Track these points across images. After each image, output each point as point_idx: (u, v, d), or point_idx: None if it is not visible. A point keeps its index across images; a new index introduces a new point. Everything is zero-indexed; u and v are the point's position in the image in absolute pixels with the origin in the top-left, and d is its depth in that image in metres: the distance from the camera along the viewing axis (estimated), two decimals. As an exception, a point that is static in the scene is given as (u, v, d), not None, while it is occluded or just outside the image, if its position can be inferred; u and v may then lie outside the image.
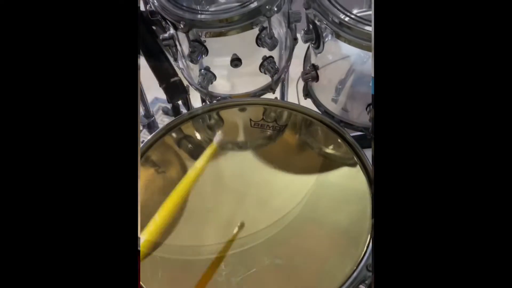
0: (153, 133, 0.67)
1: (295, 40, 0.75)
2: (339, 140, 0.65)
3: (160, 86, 0.63)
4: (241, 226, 0.56)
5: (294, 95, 1.07)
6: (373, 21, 0.35)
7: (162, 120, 1.30)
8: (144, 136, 1.22)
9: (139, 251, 0.38)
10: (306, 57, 0.76)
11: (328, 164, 0.65)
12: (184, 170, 0.65)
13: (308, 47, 0.75)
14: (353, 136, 0.65)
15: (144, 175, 0.63)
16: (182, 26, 0.58)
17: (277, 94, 0.90)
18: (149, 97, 1.05)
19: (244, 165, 0.64)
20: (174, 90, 0.59)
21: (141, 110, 1.03)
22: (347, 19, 0.56)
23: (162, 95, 1.45)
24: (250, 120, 0.69)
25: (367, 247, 0.52)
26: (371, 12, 0.74)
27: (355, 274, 0.48)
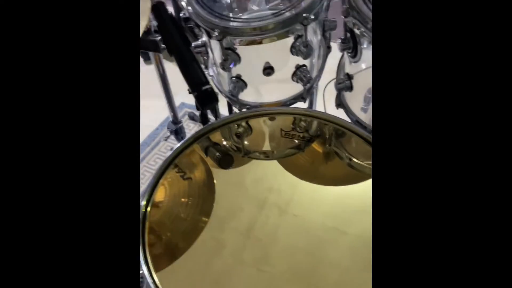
0: (182, 141, 0.67)
1: (328, 48, 0.73)
2: (371, 152, 0.62)
3: (191, 93, 0.62)
4: (262, 231, 0.55)
5: (320, 102, 1.05)
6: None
7: (188, 125, 1.31)
8: (172, 141, 1.24)
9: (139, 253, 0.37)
10: (340, 66, 0.74)
11: (356, 175, 0.63)
12: (210, 178, 0.65)
13: (342, 56, 0.73)
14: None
15: (172, 182, 0.63)
16: (216, 33, 0.58)
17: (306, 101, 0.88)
18: (176, 102, 1.05)
19: (267, 171, 0.64)
20: (206, 98, 0.58)
21: (170, 116, 1.04)
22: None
23: (189, 100, 1.46)
24: (281, 130, 0.68)
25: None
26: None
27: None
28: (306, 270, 0.51)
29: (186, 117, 1.30)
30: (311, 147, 0.67)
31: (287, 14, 0.58)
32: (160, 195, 0.60)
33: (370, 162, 0.63)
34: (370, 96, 0.81)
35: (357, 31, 0.58)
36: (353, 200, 0.58)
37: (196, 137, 0.68)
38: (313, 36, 0.69)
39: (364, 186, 0.60)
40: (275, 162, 0.65)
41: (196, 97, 0.59)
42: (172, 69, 0.95)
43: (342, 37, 0.61)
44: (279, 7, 0.71)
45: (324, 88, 1.09)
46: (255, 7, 0.72)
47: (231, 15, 0.69)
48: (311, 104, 0.92)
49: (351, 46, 0.61)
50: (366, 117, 0.78)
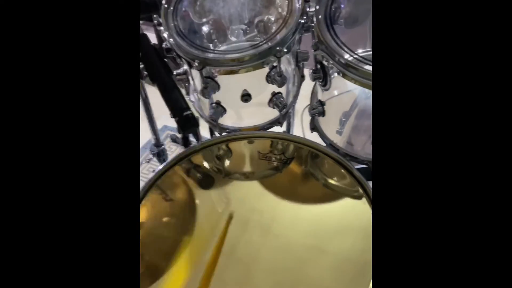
0: (164, 163, 0.69)
1: (302, 77, 0.78)
2: (344, 173, 0.66)
3: (172, 118, 0.65)
4: (245, 251, 0.56)
5: (299, 125, 1.09)
6: (372, 58, 0.37)
7: (170, 147, 1.33)
8: (154, 163, 1.25)
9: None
10: (313, 93, 0.79)
11: (332, 195, 0.66)
12: (192, 199, 0.67)
13: (315, 84, 0.79)
14: (357, 169, 0.66)
15: (154, 204, 0.65)
16: (196, 64, 0.62)
17: (283, 125, 0.92)
18: (159, 125, 1.08)
19: (249, 192, 0.66)
20: (186, 123, 0.61)
21: (152, 139, 1.05)
22: (351, 59, 0.59)
23: (170, 123, 1.49)
24: (258, 152, 0.71)
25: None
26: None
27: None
28: (290, 290, 0.52)
29: (168, 139, 1.33)
30: (289, 168, 0.70)
31: (263, 47, 0.63)
32: (142, 216, 0.62)
33: (344, 182, 0.67)
34: (345, 120, 0.87)
35: (325, 63, 0.63)
36: (331, 219, 0.60)
37: (178, 159, 0.70)
38: (288, 66, 0.75)
39: (341, 205, 0.63)
40: (256, 183, 0.67)
41: (178, 122, 0.62)
42: (154, 93, 0.98)
43: (313, 68, 0.66)
44: (256, 38, 0.76)
45: (302, 113, 1.14)
46: (233, 39, 0.77)
47: (210, 45, 0.74)
48: (288, 128, 0.97)
49: (321, 76, 0.66)
50: (341, 140, 0.83)
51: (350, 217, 0.62)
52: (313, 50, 0.62)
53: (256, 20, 0.74)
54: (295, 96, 0.79)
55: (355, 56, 0.59)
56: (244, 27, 0.76)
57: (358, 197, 0.63)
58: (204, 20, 0.72)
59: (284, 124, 0.94)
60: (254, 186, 0.67)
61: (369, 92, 0.78)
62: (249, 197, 0.65)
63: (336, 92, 0.79)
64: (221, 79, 0.69)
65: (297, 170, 0.71)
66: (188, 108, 0.62)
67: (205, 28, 0.74)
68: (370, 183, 0.65)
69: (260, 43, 0.64)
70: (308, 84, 0.81)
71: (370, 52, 0.77)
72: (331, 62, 0.61)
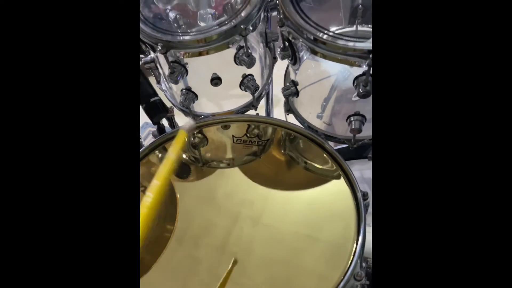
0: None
1: (274, 59, 0.77)
2: (320, 152, 0.65)
3: (140, 106, 0.64)
4: (237, 244, 0.55)
5: (282, 115, 1.08)
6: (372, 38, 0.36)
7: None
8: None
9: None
10: (287, 74, 0.78)
11: (314, 178, 0.65)
12: (170, 189, 0.65)
13: (288, 65, 0.77)
14: (337, 150, 0.65)
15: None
16: (159, 47, 0.60)
17: (263, 114, 0.91)
18: (140, 122, 1.06)
19: (234, 183, 0.64)
20: (154, 109, 0.60)
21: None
22: (321, 35, 0.57)
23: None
24: (233, 136, 0.70)
25: (353, 255, 0.51)
26: (349, 29, 0.76)
27: (342, 284, 0.47)
28: (283, 279, 0.52)
29: (151, 136, 1.31)
30: (268, 154, 0.69)
31: (227, 25, 0.62)
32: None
33: (321, 161, 0.65)
34: (325, 104, 0.86)
35: (293, 40, 0.62)
36: (320, 206, 0.60)
37: (152, 148, 0.69)
38: (258, 47, 0.73)
39: (325, 189, 0.62)
40: (236, 170, 0.65)
41: (145, 109, 0.61)
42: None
43: (281, 46, 0.65)
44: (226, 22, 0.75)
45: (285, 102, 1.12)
46: (202, 24, 0.75)
47: (178, 31, 0.72)
48: (268, 113, 0.96)
49: (290, 54, 0.65)
50: (321, 124, 0.81)
51: (333, 200, 0.61)
52: (278, 27, 0.61)
53: (224, 3, 0.72)
54: (268, 79, 0.78)
55: (325, 32, 0.57)
56: (212, 11, 0.74)
57: (337, 177, 0.62)
58: (169, 6, 0.71)
59: (264, 114, 0.93)
60: (238, 177, 0.65)
61: (346, 73, 0.77)
62: (236, 189, 0.63)
63: (312, 75, 0.78)
64: (190, 65, 0.67)
65: (276, 154, 0.70)
66: (155, 94, 0.60)
67: (171, 14, 0.72)
68: (349, 162, 0.64)
69: (225, 22, 0.62)
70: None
71: (344, 30, 0.75)
72: (300, 40, 0.60)
